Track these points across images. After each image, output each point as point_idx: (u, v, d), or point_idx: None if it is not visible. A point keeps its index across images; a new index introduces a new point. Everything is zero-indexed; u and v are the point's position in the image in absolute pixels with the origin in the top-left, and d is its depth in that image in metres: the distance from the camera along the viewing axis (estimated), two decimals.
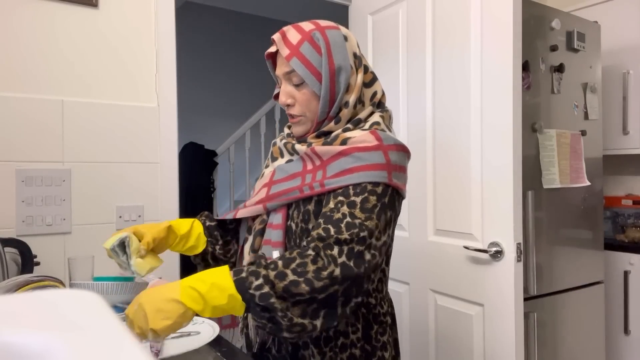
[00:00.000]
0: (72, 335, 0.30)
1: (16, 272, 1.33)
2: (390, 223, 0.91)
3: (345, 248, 0.83)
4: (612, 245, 2.30)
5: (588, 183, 1.99)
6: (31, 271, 1.33)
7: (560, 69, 1.89)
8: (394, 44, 1.96)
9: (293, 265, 0.80)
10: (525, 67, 1.76)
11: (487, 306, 1.58)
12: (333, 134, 0.96)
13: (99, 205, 1.64)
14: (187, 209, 3.44)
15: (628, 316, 2.22)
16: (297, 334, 0.81)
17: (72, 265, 1.33)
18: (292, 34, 0.95)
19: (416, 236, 1.86)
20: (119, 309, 1.18)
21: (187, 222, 1.12)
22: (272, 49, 0.98)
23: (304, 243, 0.86)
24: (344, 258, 0.82)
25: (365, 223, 0.85)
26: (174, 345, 0.92)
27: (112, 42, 1.68)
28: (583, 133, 1.99)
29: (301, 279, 0.79)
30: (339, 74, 0.94)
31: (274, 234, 0.98)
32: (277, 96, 1.03)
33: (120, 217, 1.67)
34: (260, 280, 0.78)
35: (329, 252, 0.83)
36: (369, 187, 0.88)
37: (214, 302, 0.77)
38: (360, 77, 0.97)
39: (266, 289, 0.77)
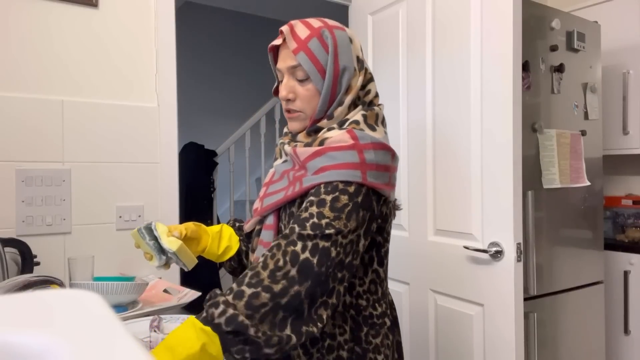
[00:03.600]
0: (72, 335, 0.30)
1: (16, 272, 1.34)
2: (364, 223, 0.88)
3: (310, 244, 0.81)
4: (612, 245, 2.30)
5: (588, 183, 1.99)
6: (31, 271, 1.33)
7: (560, 69, 1.89)
8: (394, 44, 1.96)
9: (247, 280, 0.78)
10: (525, 67, 1.76)
11: (487, 306, 1.58)
12: (317, 135, 0.96)
13: (99, 205, 1.64)
14: (187, 209, 3.45)
15: (628, 316, 2.22)
16: (278, 346, 0.76)
17: (72, 265, 1.33)
18: (300, 28, 0.94)
19: (416, 236, 1.86)
20: (119, 308, 1.18)
21: (216, 226, 1.14)
22: (278, 42, 0.96)
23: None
24: (307, 254, 0.80)
25: (333, 222, 0.83)
26: None
27: (112, 42, 1.68)
28: (583, 133, 1.99)
29: (258, 289, 0.76)
30: (343, 74, 0.94)
31: (266, 235, 0.99)
32: (276, 91, 1.04)
33: (120, 217, 1.67)
34: (222, 307, 0.74)
35: (291, 248, 0.80)
36: (341, 185, 0.86)
37: (187, 346, 0.70)
38: (360, 80, 0.97)
39: (230, 311, 0.74)
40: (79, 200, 1.60)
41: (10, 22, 1.51)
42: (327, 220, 0.83)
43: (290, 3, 4.46)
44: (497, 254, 1.53)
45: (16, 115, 1.51)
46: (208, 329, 0.73)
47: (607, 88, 2.36)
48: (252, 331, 0.74)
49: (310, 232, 0.81)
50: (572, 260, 1.94)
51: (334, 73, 0.93)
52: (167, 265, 1.00)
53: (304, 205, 0.87)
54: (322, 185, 0.87)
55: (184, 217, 2.84)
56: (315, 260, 0.80)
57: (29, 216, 1.51)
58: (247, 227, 1.08)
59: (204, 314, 0.75)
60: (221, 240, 1.11)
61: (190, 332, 0.72)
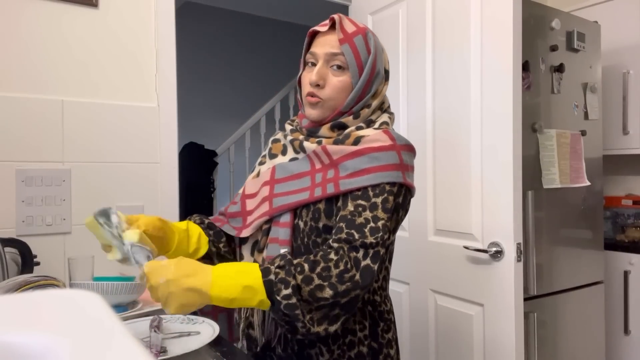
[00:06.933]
0: (72, 335, 0.30)
1: (16, 272, 1.33)
2: (399, 221, 0.95)
3: (371, 251, 0.86)
4: (612, 245, 2.30)
5: (588, 183, 1.99)
6: (31, 271, 1.33)
7: (560, 69, 1.89)
8: (394, 44, 1.96)
9: (318, 270, 0.83)
10: (525, 67, 1.76)
11: (487, 306, 1.58)
12: (345, 132, 0.96)
13: (99, 205, 1.62)
14: (187, 209, 3.45)
15: (628, 316, 2.22)
16: (309, 336, 0.84)
17: (72, 265, 1.33)
18: (347, 22, 0.97)
19: (416, 236, 1.86)
20: (119, 309, 1.18)
21: (181, 222, 1.06)
22: (323, 28, 0.97)
23: (326, 245, 0.88)
24: (368, 261, 0.85)
25: (387, 224, 0.89)
26: (174, 346, 0.92)
27: (112, 42, 1.68)
28: (583, 133, 1.99)
29: (325, 283, 0.82)
30: (376, 77, 0.98)
31: (282, 232, 0.97)
32: (298, 81, 1.03)
33: None
34: (289, 291, 0.79)
35: (354, 254, 0.85)
36: (387, 187, 0.90)
37: (242, 304, 0.81)
38: (386, 88, 1.03)
39: (293, 300, 0.79)
40: (79, 200, 1.60)
41: (10, 22, 1.51)
42: (382, 221, 0.88)
43: (291, 3, 4.46)
44: (497, 254, 1.53)
45: (16, 115, 1.51)
46: (268, 303, 0.80)
47: (607, 88, 2.36)
48: (299, 325, 0.80)
49: (372, 240, 0.86)
50: (572, 260, 1.94)
51: (370, 72, 0.96)
52: (125, 259, 0.88)
53: (353, 209, 0.89)
54: (369, 189, 0.90)
55: (184, 217, 2.84)
56: (376, 267, 0.86)
57: (29, 216, 1.51)
58: (246, 232, 1.03)
59: (271, 278, 0.80)
60: (190, 239, 1.02)
61: (250, 298, 0.80)
